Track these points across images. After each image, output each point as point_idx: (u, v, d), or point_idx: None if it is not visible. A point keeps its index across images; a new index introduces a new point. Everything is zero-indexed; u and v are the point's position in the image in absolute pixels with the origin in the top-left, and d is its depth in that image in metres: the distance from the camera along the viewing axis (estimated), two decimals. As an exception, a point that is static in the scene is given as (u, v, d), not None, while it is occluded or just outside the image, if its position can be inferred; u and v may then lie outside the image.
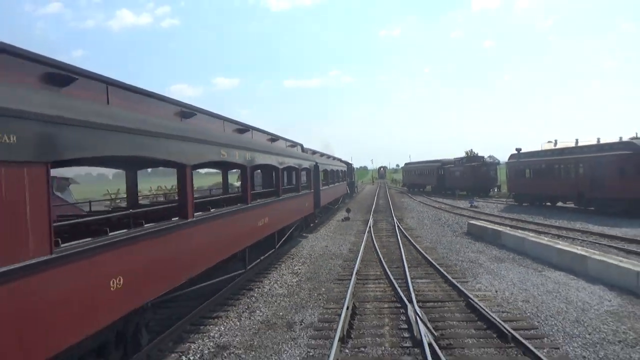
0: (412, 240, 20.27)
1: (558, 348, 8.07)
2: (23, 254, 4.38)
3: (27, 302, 4.40)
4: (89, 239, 5.60)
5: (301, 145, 22.55)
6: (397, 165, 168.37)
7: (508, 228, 20.20)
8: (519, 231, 18.89)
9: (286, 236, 16.91)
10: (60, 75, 5.63)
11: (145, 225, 6.80)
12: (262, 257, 13.74)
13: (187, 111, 9.28)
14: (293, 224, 18.31)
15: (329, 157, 35.23)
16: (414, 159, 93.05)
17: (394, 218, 29.61)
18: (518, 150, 35.83)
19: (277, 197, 15.07)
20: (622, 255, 14.50)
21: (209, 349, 8.47)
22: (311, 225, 24.38)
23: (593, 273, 12.54)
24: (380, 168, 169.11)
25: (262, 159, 13.04)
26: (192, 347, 8.56)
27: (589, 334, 8.65)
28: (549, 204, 33.03)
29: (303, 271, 15.03)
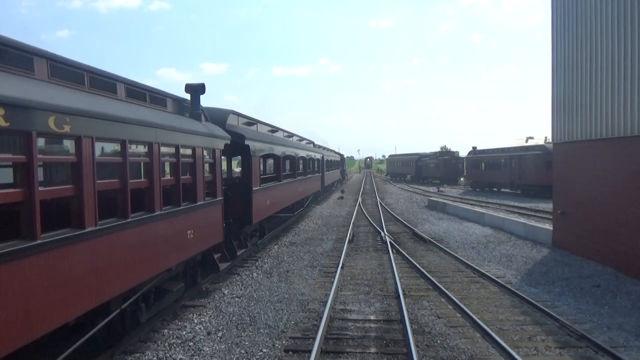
0: (388, 210, 29.99)
1: (448, 244, 17.75)
2: (279, 180, 13.88)
3: (272, 196, 13.87)
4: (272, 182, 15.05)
5: (313, 142, 32.00)
6: (383, 156, 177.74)
7: (451, 200, 30.06)
8: (457, 203, 28.75)
9: (308, 201, 26.49)
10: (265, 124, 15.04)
11: (269, 183, 16.30)
12: (298, 210, 23.32)
13: (288, 133, 18.74)
14: (310, 195, 27.86)
15: (329, 150, 44.81)
16: (400, 151, 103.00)
17: (377, 198, 39.30)
18: (474, 148, 45.87)
19: (304, 176, 24.56)
20: (507, 213, 24.34)
21: (287, 243, 18.02)
22: (319, 199, 33.97)
23: (487, 221, 22.32)
24: (366, 158, 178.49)
25: (300, 153, 22.53)
26: (279, 242, 18.10)
27: (465, 241, 18.37)
28: (495, 189, 43.11)
29: (320, 222, 24.58)
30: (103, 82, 6.76)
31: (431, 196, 40.22)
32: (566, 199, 15.76)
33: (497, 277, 12.33)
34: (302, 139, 26.26)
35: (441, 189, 47.51)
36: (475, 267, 13.54)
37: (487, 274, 12.68)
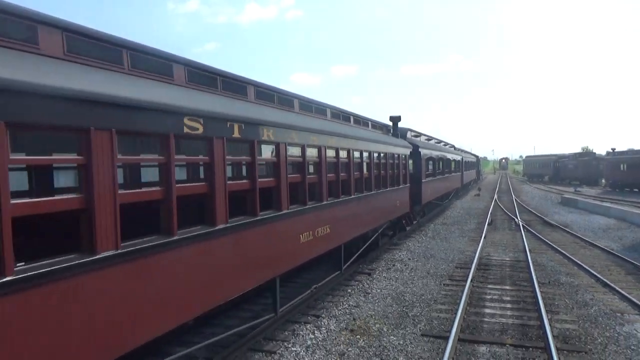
0: (523, 205, 34.32)
1: (572, 228, 22.32)
2: (434, 176, 20.30)
3: (431, 187, 20.24)
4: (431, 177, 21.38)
5: (454, 146, 37.43)
6: (521, 157, 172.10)
7: (581, 196, 33.35)
8: (589, 199, 32.10)
9: (451, 195, 32.24)
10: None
11: (429, 178, 22.56)
12: (445, 201, 29.29)
13: (437, 140, 24.89)
14: (453, 190, 33.49)
15: (466, 152, 49.58)
16: (538, 151, 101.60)
17: (513, 195, 43.17)
18: (613, 149, 46.91)
19: (449, 174, 30.32)
20: (633, 207, 27.46)
21: (440, 223, 24.13)
22: (459, 194, 39.31)
23: (612, 214, 26.00)
24: (502, 159, 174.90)
25: (447, 156, 28.40)
26: (434, 222, 24.29)
27: (587, 227, 22.72)
28: (636, 190, 43.98)
29: (462, 212, 30.14)
30: (340, 115, 13.68)
31: (567, 195, 42.90)
32: (674, 193, 19.55)
33: (603, 247, 17.13)
34: (446, 143, 32.05)
35: (579, 189, 49.22)
36: (589, 240, 18.36)
37: (596, 244, 17.54)
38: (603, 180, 58.55)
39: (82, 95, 3.92)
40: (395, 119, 16.89)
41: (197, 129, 5.40)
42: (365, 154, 12.13)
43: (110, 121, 4.23)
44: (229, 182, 5.98)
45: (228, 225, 5.89)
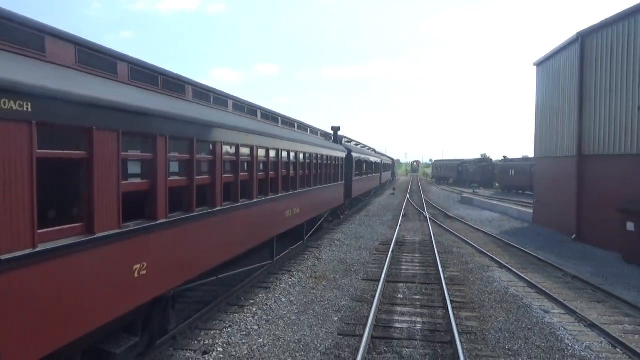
0: (430, 202, 40.40)
1: (466, 220, 28.10)
2: (360, 175, 24.89)
3: (359, 184, 24.80)
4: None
5: (374, 149, 42.77)
6: (430, 160, 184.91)
7: (477, 196, 40.13)
8: (482, 199, 38.83)
9: (371, 193, 37.38)
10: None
11: (357, 177, 27.26)
12: (367, 197, 34.27)
13: (362, 145, 29.61)
14: (373, 189, 38.69)
15: (384, 155, 55.54)
16: (447, 155, 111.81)
17: (422, 195, 49.60)
18: (504, 157, 55.35)
19: (371, 174, 35.34)
20: (514, 205, 34.23)
21: (364, 215, 28.94)
22: (377, 193, 44.81)
23: (497, 209, 32.40)
24: (413, 162, 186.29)
25: (370, 159, 33.36)
26: (359, 214, 29.05)
27: (477, 219, 28.65)
28: (521, 192, 52.37)
29: (380, 207, 35.33)
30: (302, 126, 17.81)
31: (466, 195, 50.10)
32: (538, 192, 25.83)
33: (486, 232, 22.69)
34: (370, 147, 37.15)
35: (476, 190, 57.05)
36: (477, 227, 23.95)
37: (481, 230, 23.10)
38: (497, 183, 67.59)
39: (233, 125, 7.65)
40: (336, 129, 21.22)
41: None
42: (319, 156, 16.26)
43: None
44: (259, 173, 9.83)
45: (258, 200, 9.75)
